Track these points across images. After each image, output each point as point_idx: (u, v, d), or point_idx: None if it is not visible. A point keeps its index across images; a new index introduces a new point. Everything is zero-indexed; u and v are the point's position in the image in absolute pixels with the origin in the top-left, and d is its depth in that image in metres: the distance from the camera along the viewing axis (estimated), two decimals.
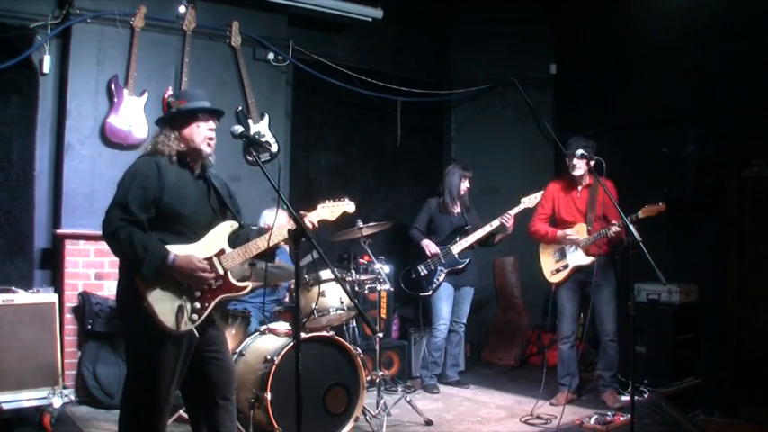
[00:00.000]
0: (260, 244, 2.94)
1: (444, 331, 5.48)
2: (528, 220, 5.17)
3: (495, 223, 5.31)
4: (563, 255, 4.94)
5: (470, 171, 5.59)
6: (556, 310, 5.05)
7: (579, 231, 4.84)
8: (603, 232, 4.65)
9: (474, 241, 5.42)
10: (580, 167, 4.82)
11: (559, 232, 4.91)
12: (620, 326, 4.90)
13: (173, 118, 2.95)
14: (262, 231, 3.02)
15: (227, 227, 2.94)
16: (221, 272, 2.87)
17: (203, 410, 2.93)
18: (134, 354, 2.87)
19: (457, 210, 5.56)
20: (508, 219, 5.27)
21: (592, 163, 4.70)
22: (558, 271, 4.95)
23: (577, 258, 4.85)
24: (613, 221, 4.64)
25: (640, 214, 4.50)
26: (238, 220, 2.99)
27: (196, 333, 2.75)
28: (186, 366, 2.86)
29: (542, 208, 5.11)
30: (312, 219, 3.10)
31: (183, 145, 2.89)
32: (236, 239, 3.01)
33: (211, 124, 2.93)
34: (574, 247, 4.84)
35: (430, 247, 5.43)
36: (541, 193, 5.24)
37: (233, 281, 2.91)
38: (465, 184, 5.54)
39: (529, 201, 5.29)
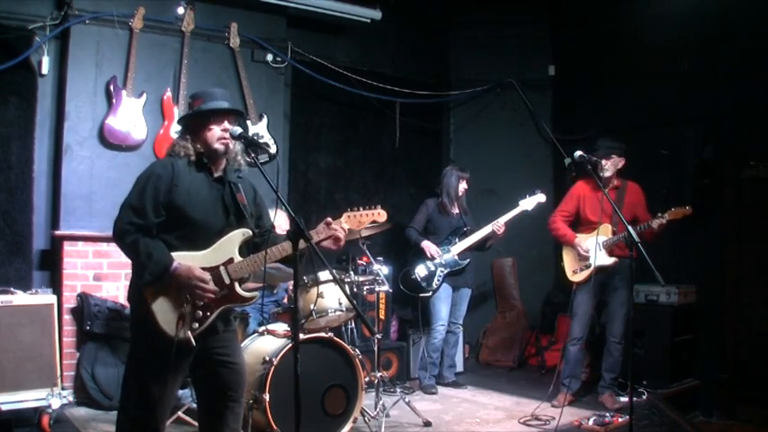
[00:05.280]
0: (271, 254, 2.82)
1: (443, 332, 5.49)
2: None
3: (489, 228, 5.30)
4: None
5: (467, 172, 5.59)
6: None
7: (603, 231, 4.78)
8: (645, 226, 4.51)
9: (471, 244, 5.41)
10: (608, 168, 4.78)
11: (576, 239, 4.87)
12: (627, 330, 4.87)
13: (188, 119, 2.93)
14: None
15: (238, 235, 2.85)
16: (227, 281, 2.80)
17: (211, 410, 2.93)
18: (133, 355, 2.89)
19: (455, 211, 5.56)
20: (499, 227, 5.25)
21: (621, 164, 4.73)
22: (579, 270, 4.89)
23: (600, 259, 4.75)
24: (643, 221, 4.58)
25: (667, 216, 4.47)
26: (252, 228, 2.90)
27: (193, 342, 2.71)
28: (185, 370, 2.86)
29: (566, 205, 5.05)
30: (338, 226, 2.89)
31: (200, 146, 2.85)
32: (252, 247, 2.93)
33: (226, 125, 2.85)
34: (599, 246, 4.74)
35: (431, 248, 5.41)
36: (539, 196, 5.25)
37: (239, 291, 2.83)
38: (462, 185, 5.54)
39: (526, 204, 5.28)
